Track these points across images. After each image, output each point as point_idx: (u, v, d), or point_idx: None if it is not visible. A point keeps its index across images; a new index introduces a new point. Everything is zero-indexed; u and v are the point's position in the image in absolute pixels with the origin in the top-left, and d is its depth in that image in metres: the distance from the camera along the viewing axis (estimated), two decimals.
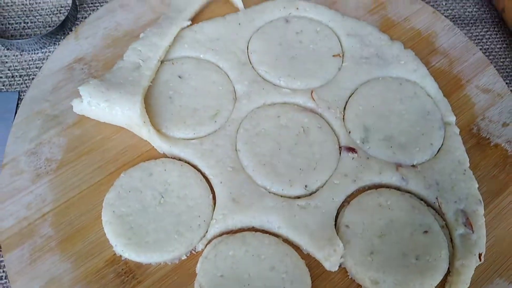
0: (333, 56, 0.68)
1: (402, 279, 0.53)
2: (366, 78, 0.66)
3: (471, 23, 0.78)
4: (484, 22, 0.79)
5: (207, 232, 0.55)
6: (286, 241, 0.56)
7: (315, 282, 0.54)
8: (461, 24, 0.78)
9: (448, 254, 0.55)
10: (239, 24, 0.70)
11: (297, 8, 0.72)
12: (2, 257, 0.55)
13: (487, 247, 0.57)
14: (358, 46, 0.68)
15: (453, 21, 0.77)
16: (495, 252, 0.57)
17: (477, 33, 0.77)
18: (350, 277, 0.55)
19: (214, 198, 0.58)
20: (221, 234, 0.56)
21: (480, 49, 0.75)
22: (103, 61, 0.67)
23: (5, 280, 0.56)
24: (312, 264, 0.55)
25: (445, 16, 0.76)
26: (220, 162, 0.59)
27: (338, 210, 0.58)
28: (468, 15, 0.80)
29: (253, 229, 0.57)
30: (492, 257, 0.57)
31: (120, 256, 0.54)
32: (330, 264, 0.54)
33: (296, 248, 0.56)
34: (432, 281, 0.53)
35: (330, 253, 0.54)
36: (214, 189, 0.58)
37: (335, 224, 0.57)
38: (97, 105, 0.59)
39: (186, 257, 0.55)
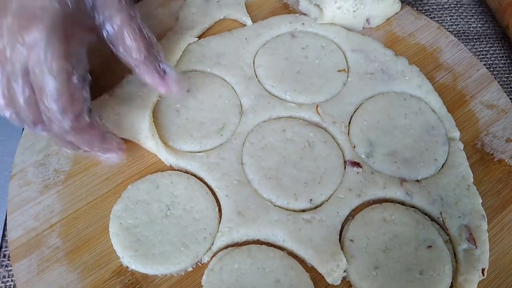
0: (338, 71, 0.68)
1: None
2: (371, 93, 0.67)
3: (475, 38, 0.79)
4: (488, 37, 0.80)
5: (212, 244, 0.56)
6: (291, 254, 0.56)
7: None
8: (466, 39, 0.79)
9: (451, 269, 0.55)
10: (246, 39, 0.71)
11: (303, 24, 0.73)
12: (11, 266, 0.56)
13: (490, 262, 0.57)
14: (363, 61, 0.69)
15: (458, 36, 0.78)
16: (498, 267, 0.57)
17: (481, 49, 0.78)
18: None
19: (220, 211, 0.58)
20: (226, 247, 0.56)
21: (484, 64, 0.76)
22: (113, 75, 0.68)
23: None
24: (317, 277, 0.55)
25: (449, 31, 0.77)
26: (226, 175, 0.60)
27: (342, 224, 0.58)
28: (473, 30, 0.81)
29: (258, 242, 0.57)
30: (495, 272, 0.57)
31: (127, 267, 0.55)
32: (333, 279, 0.54)
33: (301, 261, 0.56)
34: None
35: (333, 268, 0.54)
36: (220, 202, 0.59)
37: (340, 238, 0.57)
38: (107, 119, 0.60)
39: (192, 269, 0.55)
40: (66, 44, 0.47)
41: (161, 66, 0.56)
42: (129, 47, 0.53)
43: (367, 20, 0.72)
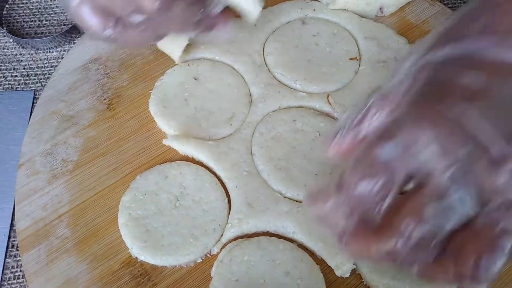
0: (350, 59, 0.67)
1: (416, 287, 0.53)
2: (383, 82, 0.66)
3: None
4: None
5: (222, 236, 0.56)
6: (301, 246, 0.56)
7: None
8: None
9: None
10: (255, 25, 0.69)
11: (314, 10, 0.71)
12: (20, 256, 0.56)
13: None
14: (375, 49, 0.68)
15: None
16: None
17: None
18: (364, 283, 0.55)
19: (229, 202, 0.58)
20: (236, 238, 0.56)
21: None
22: (118, 61, 0.67)
23: (22, 279, 0.57)
24: (327, 269, 0.55)
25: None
26: (235, 166, 0.59)
27: None
28: None
29: (268, 234, 0.57)
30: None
31: (136, 258, 0.55)
32: (342, 272, 0.54)
33: (311, 253, 0.56)
34: None
35: (342, 261, 0.53)
36: (230, 193, 0.58)
37: None
38: None
39: (201, 260, 0.55)
40: None
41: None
42: None
43: (380, 9, 0.70)
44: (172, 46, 0.64)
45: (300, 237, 0.56)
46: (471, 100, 0.33)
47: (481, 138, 0.32)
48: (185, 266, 0.55)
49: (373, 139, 0.36)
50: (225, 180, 0.59)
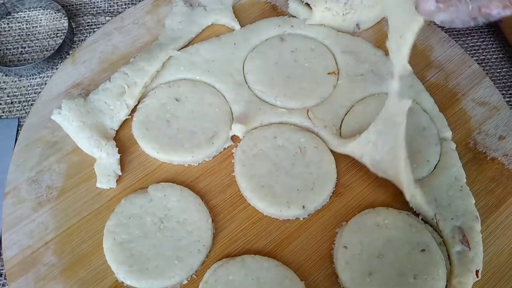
0: (328, 74, 0.68)
1: None
2: (361, 95, 0.67)
3: (466, 33, 0.78)
4: (480, 32, 0.79)
5: (207, 257, 0.56)
6: (285, 263, 0.56)
7: None
8: (457, 35, 0.78)
9: (445, 271, 0.55)
10: (234, 44, 0.70)
11: (292, 26, 0.72)
12: (8, 285, 0.56)
13: (485, 263, 0.57)
14: (353, 63, 0.69)
15: (449, 32, 0.77)
16: (492, 268, 0.57)
17: (473, 44, 0.77)
18: None
19: (213, 221, 0.58)
20: (221, 258, 0.57)
21: (476, 60, 0.75)
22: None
23: None
24: (312, 285, 0.56)
25: (440, 27, 0.76)
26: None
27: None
28: None
29: (252, 251, 0.57)
30: (489, 273, 0.57)
31: (122, 282, 0.55)
32: None
33: (296, 269, 0.56)
34: None
35: None
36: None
37: (334, 245, 0.57)
38: (71, 122, 0.61)
39: (187, 282, 0.56)
40: None
41: None
42: None
43: (357, 25, 0.71)
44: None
45: None
46: None
47: None
48: None
49: None
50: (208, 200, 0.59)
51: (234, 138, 0.65)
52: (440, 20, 0.45)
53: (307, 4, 0.72)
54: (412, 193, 0.57)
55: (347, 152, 0.61)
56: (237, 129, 0.63)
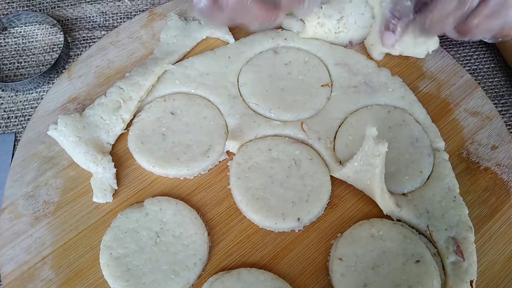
0: (322, 86, 0.69)
1: None
2: (355, 107, 0.67)
3: (458, 43, 0.79)
4: (472, 42, 0.80)
5: (203, 270, 0.57)
6: (281, 276, 0.57)
7: None
8: (449, 45, 0.79)
9: (440, 282, 0.56)
10: (229, 57, 0.71)
11: (285, 39, 0.73)
12: None
13: (479, 273, 0.57)
14: (346, 75, 0.69)
15: (441, 43, 0.78)
16: (486, 277, 0.58)
17: (465, 54, 0.78)
18: None
19: (209, 235, 0.59)
20: (217, 271, 0.57)
21: (468, 70, 0.76)
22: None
23: None
24: None
25: None
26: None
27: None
28: None
29: (247, 265, 0.58)
30: (484, 283, 0.58)
31: None
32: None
33: (291, 282, 0.57)
34: None
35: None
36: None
37: (329, 257, 0.58)
38: (67, 138, 0.62)
39: None
40: None
41: None
42: None
43: (350, 42, 0.72)
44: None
45: None
46: None
47: None
48: None
49: None
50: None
51: (229, 151, 0.65)
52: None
53: (301, 19, 0.72)
54: (397, 216, 0.59)
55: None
56: (232, 146, 0.64)
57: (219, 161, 0.65)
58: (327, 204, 0.62)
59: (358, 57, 0.71)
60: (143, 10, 0.80)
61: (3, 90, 0.73)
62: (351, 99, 0.68)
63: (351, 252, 0.57)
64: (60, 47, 0.76)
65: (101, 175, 0.61)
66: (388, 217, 0.60)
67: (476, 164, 0.65)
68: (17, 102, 0.72)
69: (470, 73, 0.74)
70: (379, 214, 0.61)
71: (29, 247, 0.59)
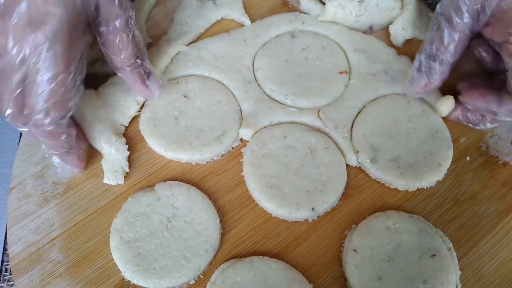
0: (340, 73, 0.67)
1: None
2: (373, 95, 0.66)
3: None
4: None
5: (214, 257, 0.56)
6: (294, 265, 0.56)
7: None
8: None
9: (455, 277, 0.55)
10: (244, 40, 0.69)
11: (303, 22, 0.70)
12: (13, 281, 0.56)
13: (494, 270, 0.56)
14: (365, 62, 0.67)
15: None
16: (502, 273, 0.57)
17: None
18: None
19: (221, 221, 0.58)
20: (229, 259, 0.56)
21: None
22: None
23: None
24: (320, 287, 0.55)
25: None
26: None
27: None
28: None
29: (260, 253, 0.57)
30: (499, 278, 0.57)
31: (129, 281, 0.55)
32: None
33: (304, 272, 0.56)
34: None
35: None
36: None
37: (343, 248, 0.57)
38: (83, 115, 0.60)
39: (194, 282, 0.55)
40: (68, 50, 0.49)
41: (145, 72, 0.59)
42: (118, 50, 0.55)
43: (370, 27, 0.70)
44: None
45: None
46: None
47: None
48: None
49: None
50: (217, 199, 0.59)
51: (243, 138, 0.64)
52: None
53: (320, 1, 0.70)
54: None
55: None
56: (245, 134, 0.62)
57: (232, 147, 0.63)
58: (342, 195, 0.60)
59: (378, 43, 0.69)
60: None
61: None
62: (369, 87, 0.66)
63: (366, 244, 0.56)
64: None
65: (114, 156, 0.60)
66: (405, 210, 0.59)
67: (495, 158, 0.64)
68: None
69: None
70: (395, 206, 0.60)
71: (38, 228, 0.58)
